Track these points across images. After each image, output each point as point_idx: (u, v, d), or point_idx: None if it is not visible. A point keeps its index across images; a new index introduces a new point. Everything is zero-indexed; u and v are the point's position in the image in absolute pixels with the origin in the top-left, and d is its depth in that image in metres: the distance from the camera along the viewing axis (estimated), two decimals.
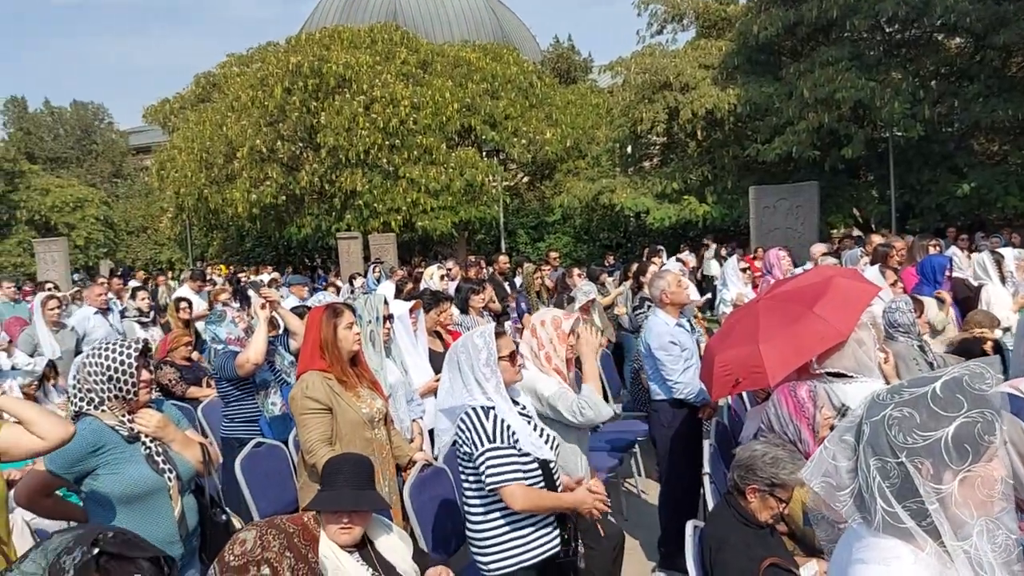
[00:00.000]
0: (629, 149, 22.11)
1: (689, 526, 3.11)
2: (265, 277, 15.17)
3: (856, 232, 17.79)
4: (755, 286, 7.98)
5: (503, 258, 11.77)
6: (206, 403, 6.05)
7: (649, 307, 6.19)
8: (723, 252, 16.41)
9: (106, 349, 2.89)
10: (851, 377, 3.48)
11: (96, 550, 1.25)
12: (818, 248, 8.53)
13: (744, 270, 7.21)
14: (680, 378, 4.82)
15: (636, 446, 6.37)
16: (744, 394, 5.33)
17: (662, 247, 10.86)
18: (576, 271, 9.31)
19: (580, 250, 26.16)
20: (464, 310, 6.90)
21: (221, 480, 3.73)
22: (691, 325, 5.54)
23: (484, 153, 24.52)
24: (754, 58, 19.14)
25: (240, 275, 17.21)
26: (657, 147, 22.73)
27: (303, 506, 3.66)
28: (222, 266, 19.16)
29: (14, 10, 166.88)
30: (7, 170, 27.01)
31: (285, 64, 22.21)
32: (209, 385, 6.84)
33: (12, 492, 3.01)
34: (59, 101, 42.51)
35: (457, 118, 23.08)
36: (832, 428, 3.27)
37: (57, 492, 3.08)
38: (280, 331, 5.89)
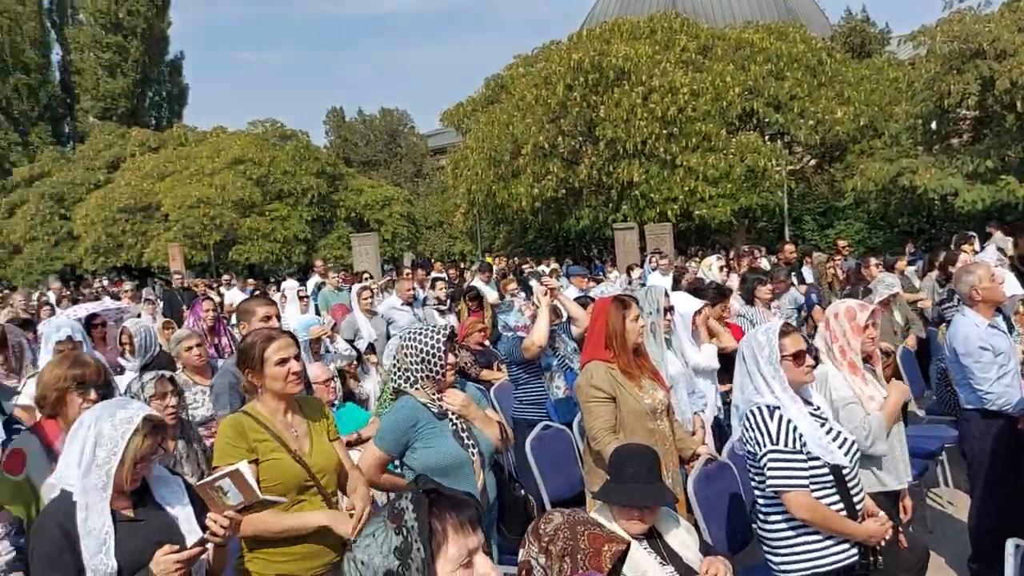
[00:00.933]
0: (934, 125, 20.00)
1: (1010, 544, 2.80)
2: (546, 268, 15.82)
3: None
4: None
5: (789, 247, 11.16)
6: (497, 385, 6.47)
7: (959, 301, 5.59)
8: None
9: (420, 334, 3.24)
10: None
11: (419, 489, 1.44)
12: None
13: None
14: (993, 387, 4.20)
15: (943, 453, 5.80)
16: None
17: (973, 233, 9.71)
18: (873, 260, 8.58)
19: (875, 237, 24.19)
20: (750, 301, 6.67)
21: (515, 459, 4.00)
22: (1009, 324, 4.90)
23: (767, 137, 23.47)
24: None
25: (524, 266, 18.10)
26: (967, 122, 20.34)
27: (589, 491, 3.83)
28: (500, 258, 20.32)
29: (334, 27, 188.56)
30: (330, 173, 30.62)
31: (567, 61, 22.85)
32: (500, 369, 7.31)
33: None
34: (370, 110, 47.41)
35: (738, 102, 22.35)
36: None
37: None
38: (563, 319, 6.15)
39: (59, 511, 2.38)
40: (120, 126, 36.29)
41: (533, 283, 11.47)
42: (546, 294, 5.19)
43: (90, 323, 6.19)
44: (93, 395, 3.11)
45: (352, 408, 5.70)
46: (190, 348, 5.03)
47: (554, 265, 17.20)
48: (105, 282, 23.11)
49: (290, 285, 15.51)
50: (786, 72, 23.14)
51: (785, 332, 3.09)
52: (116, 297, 13.28)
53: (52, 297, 14.74)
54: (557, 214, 25.73)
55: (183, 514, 2.55)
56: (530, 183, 23.48)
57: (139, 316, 10.63)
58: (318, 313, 10.51)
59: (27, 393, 4.34)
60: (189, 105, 45.82)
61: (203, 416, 4.59)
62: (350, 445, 4.46)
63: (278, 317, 4.24)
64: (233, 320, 11.98)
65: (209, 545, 2.47)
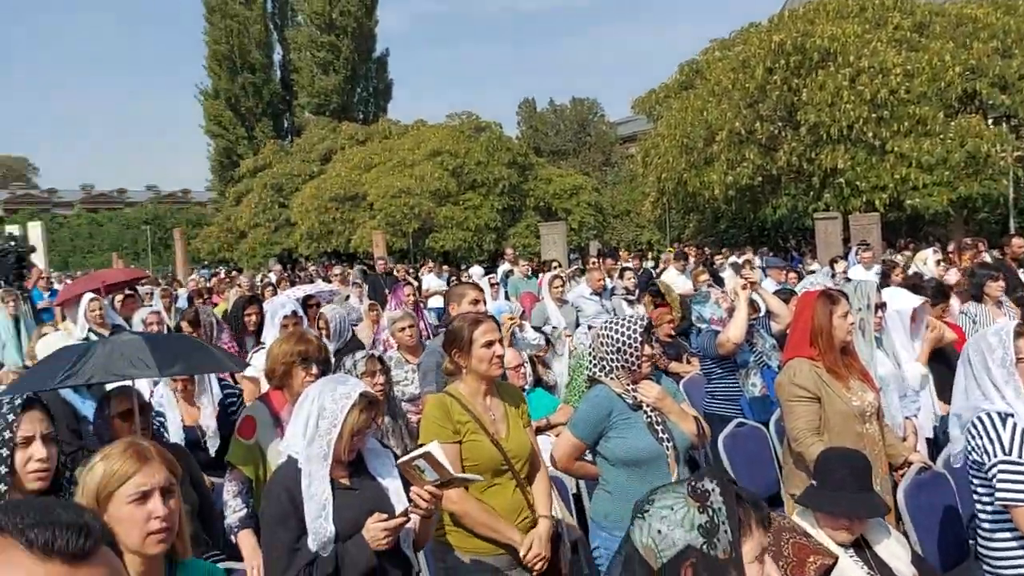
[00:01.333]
0: None
1: None
2: (737, 259, 15.28)
3: None
4: None
5: (1017, 240, 10.08)
6: (687, 379, 6.35)
7: None
8: None
9: (617, 324, 3.26)
10: None
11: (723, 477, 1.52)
12: None
13: None
14: None
15: None
16: None
17: None
18: None
19: None
20: (978, 298, 6.07)
21: (710, 455, 3.92)
22: None
23: (991, 120, 21.33)
24: None
25: (716, 257, 17.63)
26: None
27: (788, 493, 3.68)
28: (690, 247, 19.84)
29: (529, 19, 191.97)
30: (520, 163, 31.29)
31: (767, 44, 21.95)
32: (689, 362, 7.18)
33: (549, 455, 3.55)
34: (561, 99, 47.78)
35: (959, 83, 20.46)
36: None
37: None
38: (761, 313, 5.92)
39: (286, 476, 2.61)
40: (332, 121, 39.01)
41: (726, 275, 11.16)
42: (745, 287, 5.00)
43: (306, 303, 6.73)
44: (315, 370, 3.39)
45: (541, 394, 5.80)
46: (403, 328, 5.37)
47: (747, 255, 16.59)
48: (311, 266, 24.99)
49: (475, 272, 16.02)
50: (1015, 49, 20.92)
51: (1020, 333, 2.82)
52: (327, 280, 14.31)
53: (273, 278, 16.14)
54: (752, 203, 24.83)
55: (393, 486, 2.71)
56: (724, 171, 22.80)
57: (347, 298, 11.43)
58: (507, 299, 10.79)
59: (255, 366, 4.79)
60: (393, 99, 48.35)
61: (411, 394, 4.87)
62: (539, 431, 4.56)
63: (484, 302, 4.41)
64: (430, 304, 12.59)
65: (414, 516, 2.62)
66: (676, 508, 1.45)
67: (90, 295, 7.01)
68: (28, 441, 2.28)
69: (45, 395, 3.10)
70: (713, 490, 1.46)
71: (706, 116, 23.34)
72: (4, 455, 2.24)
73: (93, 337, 6.26)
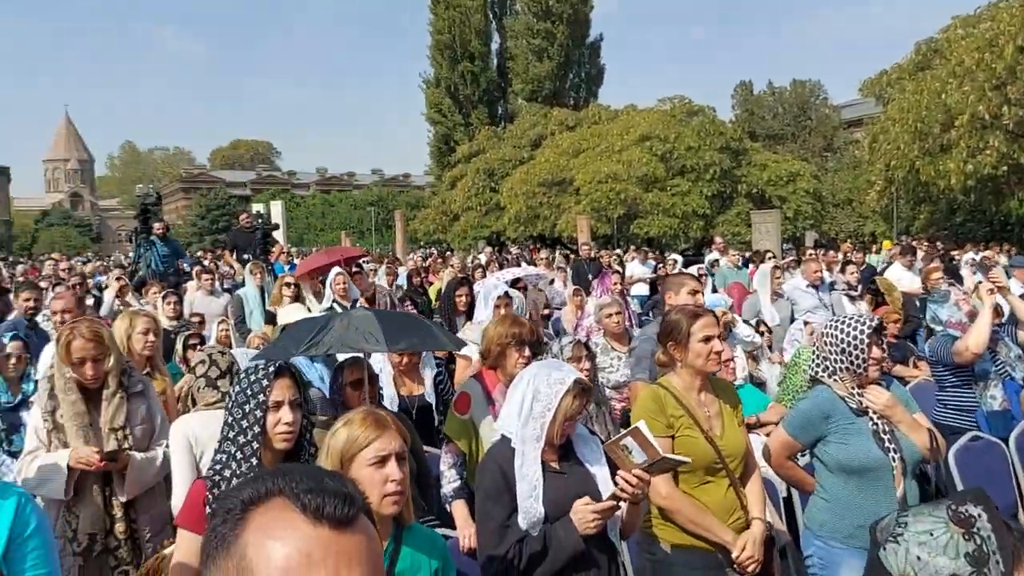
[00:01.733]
0: None
1: None
2: (975, 255, 13.88)
3: None
4: None
5: None
6: (914, 384, 5.90)
7: None
8: None
9: (843, 323, 3.08)
10: None
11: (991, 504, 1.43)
12: None
13: None
14: None
15: None
16: None
17: None
18: None
19: None
20: None
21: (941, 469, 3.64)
22: None
23: None
24: None
25: (953, 253, 16.15)
26: None
27: None
28: (920, 241, 18.19)
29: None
30: (733, 148, 30.15)
31: (1019, 20, 19.73)
32: (916, 366, 6.68)
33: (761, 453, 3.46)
34: (780, 82, 45.53)
35: None
36: None
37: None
38: (1005, 319, 5.38)
39: (501, 455, 2.71)
40: (543, 107, 39.65)
41: (965, 273, 10.20)
42: (992, 291, 4.53)
43: (513, 285, 6.93)
44: (527, 352, 3.50)
45: (751, 390, 5.62)
46: (611, 315, 5.42)
47: (986, 252, 15.03)
48: (515, 249, 25.59)
49: (675, 260, 15.69)
50: None
51: None
52: (532, 263, 14.63)
53: (483, 260, 16.74)
54: (994, 194, 22.53)
55: (600, 473, 2.74)
56: (963, 159, 20.82)
57: (552, 282, 11.64)
58: (715, 290, 10.50)
59: (469, 345, 5.01)
60: (604, 84, 48.31)
61: (616, 381, 4.89)
62: (749, 428, 4.42)
63: (703, 293, 4.34)
64: (632, 291, 12.51)
65: (623, 503, 2.62)
66: (936, 533, 1.35)
67: (336, 269, 7.59)
68: (278, 405, 2.53)
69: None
70: (980, 516, 1.35)
71: (945, 99, 21.41)
72: (258, 416, 2.51)
73: (337, 308, 6.82)
